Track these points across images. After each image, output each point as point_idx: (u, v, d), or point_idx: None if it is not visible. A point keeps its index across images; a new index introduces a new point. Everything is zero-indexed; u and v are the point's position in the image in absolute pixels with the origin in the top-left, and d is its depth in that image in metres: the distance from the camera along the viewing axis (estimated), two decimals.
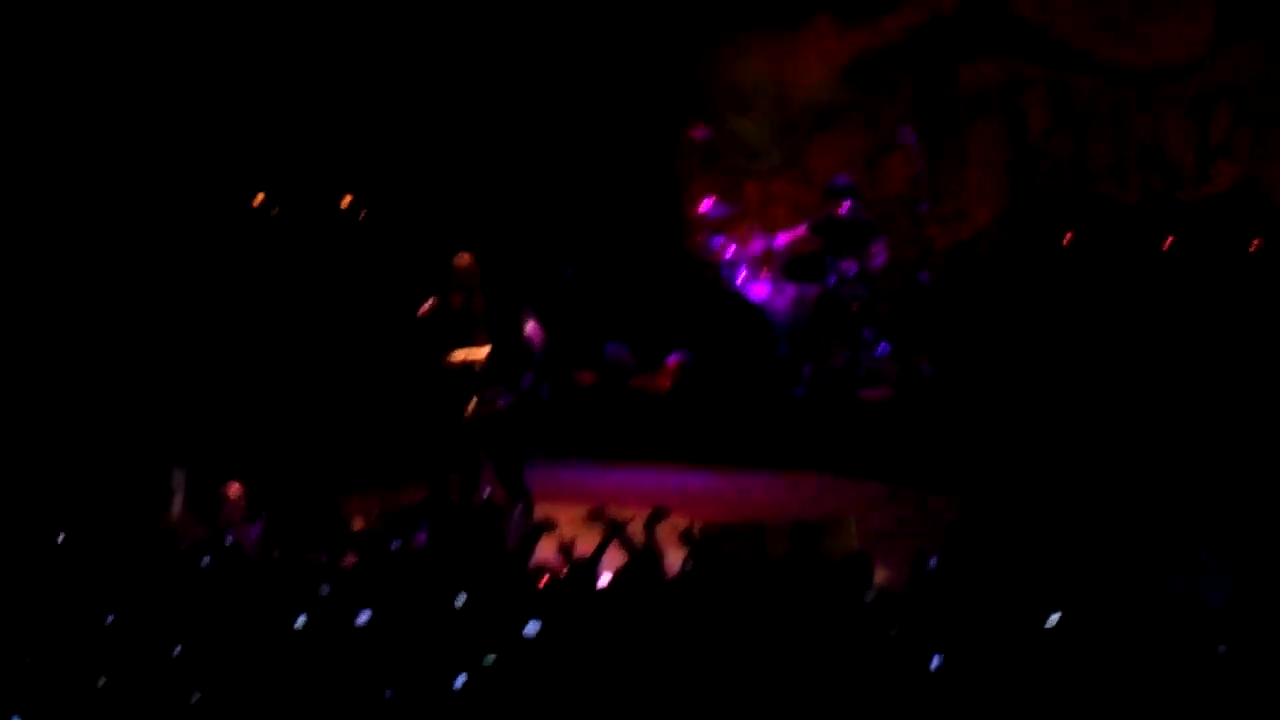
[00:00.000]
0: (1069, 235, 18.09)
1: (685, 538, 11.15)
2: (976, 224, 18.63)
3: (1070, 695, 7.98)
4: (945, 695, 7.94)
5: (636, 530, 10.94)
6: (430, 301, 14.07)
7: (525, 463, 14.14)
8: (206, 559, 11.05)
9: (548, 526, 11.34)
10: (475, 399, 13.89)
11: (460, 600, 9.56)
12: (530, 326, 13.96)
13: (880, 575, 10.80)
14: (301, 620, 9.20)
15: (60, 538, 11.18)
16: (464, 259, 14.13)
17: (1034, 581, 10.01)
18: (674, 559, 11.42)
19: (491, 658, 8.53)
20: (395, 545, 11.24)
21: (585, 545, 10.92)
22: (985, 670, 8.03)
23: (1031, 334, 17.59)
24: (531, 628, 8.64)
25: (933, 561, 10.38)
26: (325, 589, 10.05)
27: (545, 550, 11.08)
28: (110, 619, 9.70)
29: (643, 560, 10.52)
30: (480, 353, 14.03)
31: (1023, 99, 18.56)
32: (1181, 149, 18.21)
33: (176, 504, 12.66)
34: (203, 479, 13.70)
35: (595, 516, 11.21)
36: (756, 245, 18.63)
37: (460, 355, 13.99)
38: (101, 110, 18.33)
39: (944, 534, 12.21)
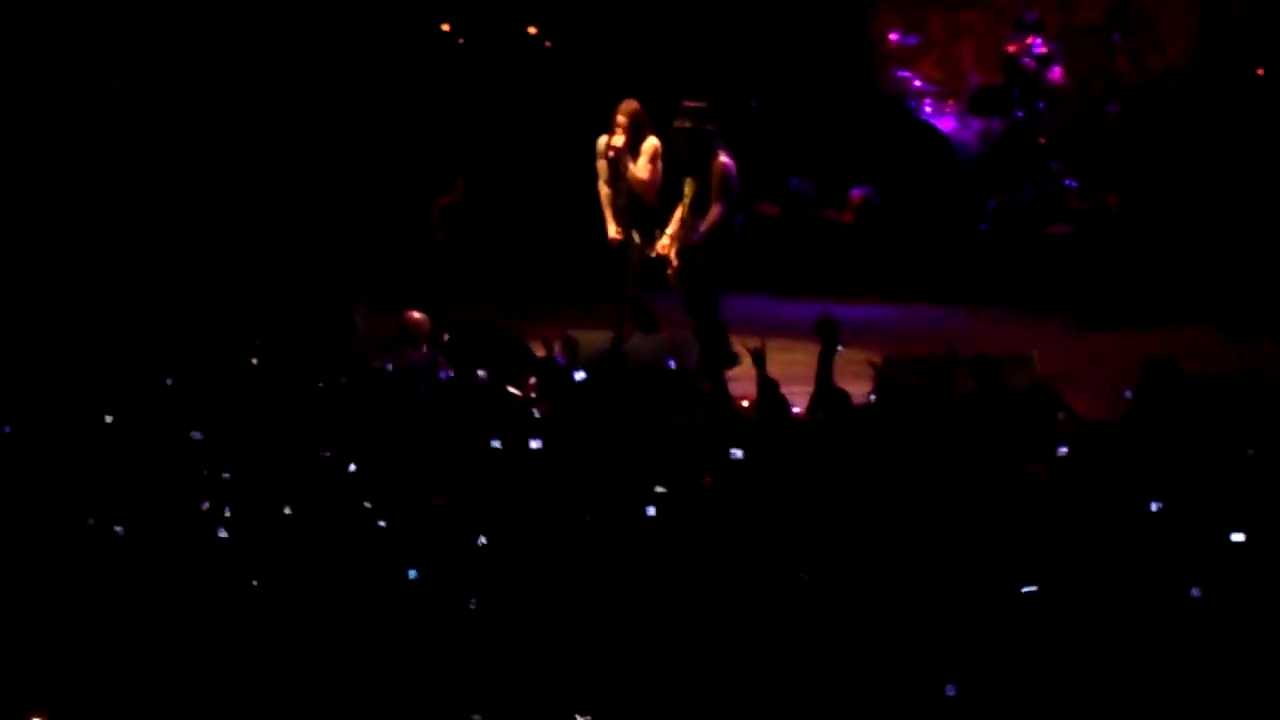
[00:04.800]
0: (1260, 70, 17.64)
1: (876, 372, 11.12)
2: (1168, 57, 18.22)
3: None
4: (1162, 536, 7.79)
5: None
6: (610, 140, 13.88)
7: (719, 293, 14.03)
8: (394, 380, 11.15)
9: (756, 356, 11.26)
10: (661, 232, 13.79)
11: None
12: (723, 157, 13.82)
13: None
14: (496, 442, 9.28)
15: (255, 360, 11.34)
16: (631, 103, 13.98)
17: (1231, 420, 9.85)
18: (858, 391, 11.42)
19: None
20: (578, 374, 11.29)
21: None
22: (1204, 512, 7.88)
23: (1222, 169, 17.20)
24: (736, 453, 8.71)
25: (1126, 394, 10.25)
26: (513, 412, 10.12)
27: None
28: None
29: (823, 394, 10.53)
30: (650, 188, 13.88)
31: None
32: None
33: (359, 335, 12.78)
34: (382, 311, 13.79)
35: (757, 360, 11.18)
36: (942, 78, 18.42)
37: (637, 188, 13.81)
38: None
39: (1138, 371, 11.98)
